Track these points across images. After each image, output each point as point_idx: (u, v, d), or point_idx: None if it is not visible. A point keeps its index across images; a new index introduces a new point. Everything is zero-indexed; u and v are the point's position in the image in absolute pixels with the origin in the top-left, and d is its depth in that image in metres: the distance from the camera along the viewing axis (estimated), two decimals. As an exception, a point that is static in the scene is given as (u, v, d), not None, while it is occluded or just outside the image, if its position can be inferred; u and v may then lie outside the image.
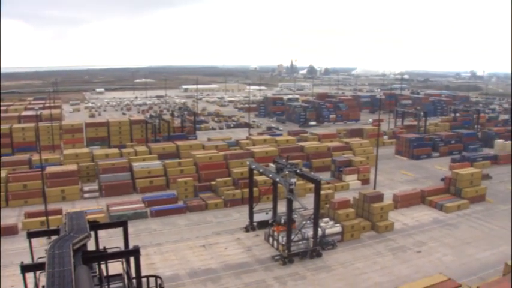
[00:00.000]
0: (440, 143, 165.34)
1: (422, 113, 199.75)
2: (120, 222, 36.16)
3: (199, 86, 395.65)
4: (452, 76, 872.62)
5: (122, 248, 33.90)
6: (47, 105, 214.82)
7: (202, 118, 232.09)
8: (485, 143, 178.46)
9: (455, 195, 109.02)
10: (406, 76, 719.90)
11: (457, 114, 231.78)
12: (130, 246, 31.71)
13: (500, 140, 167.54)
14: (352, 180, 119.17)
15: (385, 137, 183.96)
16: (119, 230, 35.64)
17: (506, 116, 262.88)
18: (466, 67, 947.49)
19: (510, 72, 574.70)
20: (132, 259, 30.61)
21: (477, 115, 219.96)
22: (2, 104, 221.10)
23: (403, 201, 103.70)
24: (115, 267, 32.37)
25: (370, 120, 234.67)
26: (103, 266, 31.27)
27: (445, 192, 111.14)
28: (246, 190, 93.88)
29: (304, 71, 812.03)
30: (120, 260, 31.20)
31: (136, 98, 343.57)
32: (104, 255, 29.90)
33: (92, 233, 31.92)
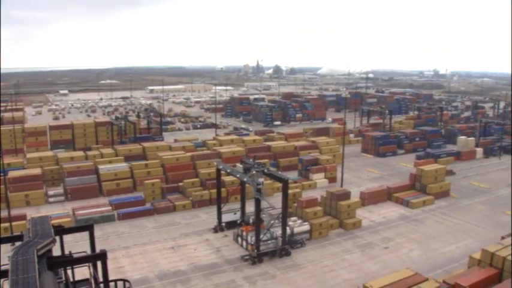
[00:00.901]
0: (405, 140, 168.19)
1: (387, 111, 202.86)
2: (85, 226, 35.81)
3: (166, 87, 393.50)
4: (416, 75, 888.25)
5: (89, 252, 33.48)
6: (9, 107, 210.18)
7: (169, 119, 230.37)
8: (449, 139, 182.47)
9: (420, 192, 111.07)
10: (371, 75, 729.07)
11: (421, 112, 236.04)
12: (98, 250, 31.36)
13: (463, 137, 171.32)
14: (319, 178, 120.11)
15: (351, 135, 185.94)
16: (86, 234, 35.22)
17: (468, 113, 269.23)
18: (429, 66, 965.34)
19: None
20: (99, 263, 30.28)
21: (440, 113, 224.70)
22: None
23: (370, 199, 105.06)
24: (82, 272, 31.98)
25: (330, 119, 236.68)
26: (69, 272, 30.84)
27: (410, 188, 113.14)
28: (214, 191, 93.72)
29: (270, 71, 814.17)
30: (87, 264, 30.81)
31: (101, 99, 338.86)
32: (69, 260, 29.51)
33: (58, 238, 31.44)
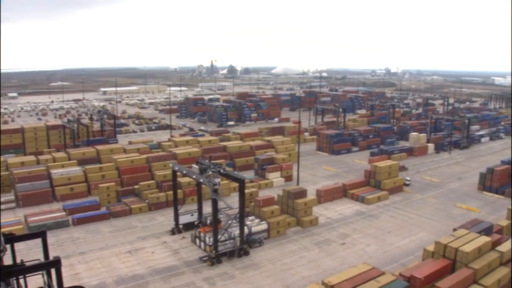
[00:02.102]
0: (359, 137, 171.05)
1: (341, 110, 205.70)
2: (38, 233, 34.76)
3: (119, 88, 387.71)
4: (369, 73, 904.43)
5: (42, 260, 32.59)
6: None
7: (123, 121, 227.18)
8: (401, 136, 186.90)
9: (375, 188, 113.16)
10: (324, 74, 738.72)
11: (374, 110, 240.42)
12: (51, 258, 30.57)
13: (415, 133, 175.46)
14: (275, 177, 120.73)
15: (306, 133, 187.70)
16: (40, 242, 34.29)
17: (420, 110, 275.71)
18: (381, 64, 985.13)
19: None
20: (53, 271, 29.53)
21: (393, 110, 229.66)
22: None
23: (326, 196, 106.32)
24: (36, 281, 31.15)
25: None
26: (22, 281, 29.94)
27: (365, 185, 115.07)
28: (170, 192, 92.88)
29: (225, 71, 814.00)
30: (40, 272, 29.98)
31: (52, 102, 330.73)
32: (21, 269, 28.61)
33: (8, 246, 30.50)
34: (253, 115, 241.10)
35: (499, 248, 69.73)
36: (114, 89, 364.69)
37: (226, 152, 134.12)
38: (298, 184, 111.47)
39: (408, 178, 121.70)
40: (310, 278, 69.00)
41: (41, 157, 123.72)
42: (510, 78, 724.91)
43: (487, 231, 76.16)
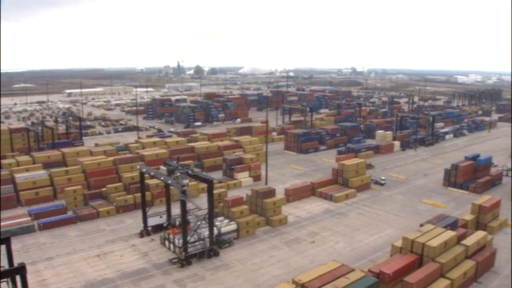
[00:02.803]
0: (327, 136, 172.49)
1: (308, 109, 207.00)
2: (2, 239, 33.95)
3: (84, 90, 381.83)
4: (335, 72, 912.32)
5: (7, 267, 31.84)
6: None
7: (88, 123, 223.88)
8: (368, 134, 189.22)
9: (343, 186, 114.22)
10: (291, 74, 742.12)
11: (341, 109, 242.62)
12: (16, 264, 29.90)
13: (381, 131, 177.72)
14: (244, 177, 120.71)
15: (274, 133, 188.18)
16: (4, 248, 33.50)
17: (385, 109, 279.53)
18: (347, 64, 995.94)
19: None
20: (18, 278, 28.89)
21: (359, 108, 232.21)
22: None
23: (295, 195, 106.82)
24: None
25: (239, 120, 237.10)
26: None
27: (333, 183, 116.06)
28: (138, 195, 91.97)
29: (192, 71, 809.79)
30: (5, 280, 29.30)
31: (15, 104, 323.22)
32: (-15, 277, 27.94)
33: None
34: (221, 115, 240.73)
35: (464, 241, 71.52)
36: (79, 90, 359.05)
37: (194, 153, 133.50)
38: (266, 184, 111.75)
39: (383, 177, 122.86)
40: (281, 277, 69.22)
41: (4, 161, 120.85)
42: (472, 77, 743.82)
43: (453, 225, 77.82)
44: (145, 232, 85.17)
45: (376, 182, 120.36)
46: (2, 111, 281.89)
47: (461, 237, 72.62)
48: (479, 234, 75.28)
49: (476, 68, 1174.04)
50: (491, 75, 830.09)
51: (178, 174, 74.25)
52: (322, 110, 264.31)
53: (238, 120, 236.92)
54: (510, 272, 73.47)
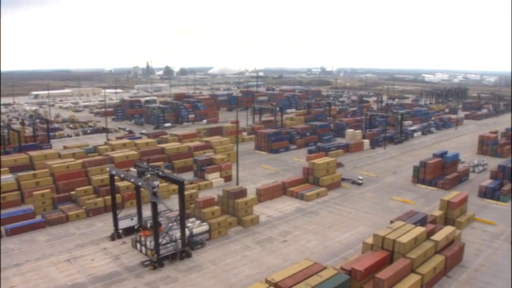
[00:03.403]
0: (297, 135, 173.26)
1: (278, 108, 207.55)
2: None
3: (51, 92, 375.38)
4: (305, 72, 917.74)
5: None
6: None
7: (56, 125, 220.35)
8: (338, 133, 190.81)
9: (313, 184, 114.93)
10: (261, 73, 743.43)
11: (311, 108, 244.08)
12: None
13: (351, 130, 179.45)
14: (215, 178, 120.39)
15: (244, 133, 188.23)
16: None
17: (355, 108, 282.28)
18: (317, 63, 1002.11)
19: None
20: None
21: (329, 108, 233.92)
22: None
23: (266, 194, 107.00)
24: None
25: (205, 121, 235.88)
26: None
27: (304, 182, 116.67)
28: (109, 197, 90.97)
29: (161, 72, 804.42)
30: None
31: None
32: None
33: None
34: (191, 116, 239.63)
35: (433, 237, 72.84)
36: (46, 92, 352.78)
37: (165, 154, 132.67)
38: (237, 184, 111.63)
39: (361, 177, 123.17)
40: (254, 276, 69.26)
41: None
42: (439, 76, 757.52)
43: (422, 221, 79.04)
44: (116, 235, 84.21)
45: (354, 182, 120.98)
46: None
47: (430, 233, 73.90)
48: (448, 230, 76.72)
49: (443, 67, 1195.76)
50: (457, 74, 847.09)
51: (148, 175, 73.68)
52: (289, 110, 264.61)
53: (204, 121, 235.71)
54: (478, 265, 75.22)
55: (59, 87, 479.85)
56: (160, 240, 73.27)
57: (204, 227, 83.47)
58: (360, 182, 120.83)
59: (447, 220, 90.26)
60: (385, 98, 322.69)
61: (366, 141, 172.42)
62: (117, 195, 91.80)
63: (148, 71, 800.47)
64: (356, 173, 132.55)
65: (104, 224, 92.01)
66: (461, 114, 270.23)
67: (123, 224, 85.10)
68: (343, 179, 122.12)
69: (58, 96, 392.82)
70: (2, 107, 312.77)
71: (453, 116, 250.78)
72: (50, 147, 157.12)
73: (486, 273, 72.60)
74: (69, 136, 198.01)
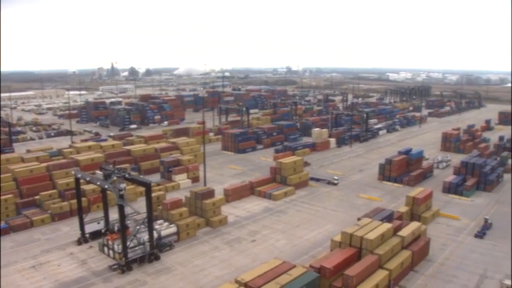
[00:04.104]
0: (263, 135, 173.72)
1: (244, 108, 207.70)
2: None
3: (13, 94, 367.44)
4: (270, 72, 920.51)
5: None
6: None
7: (19, 129, 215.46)
8: (304, 132, 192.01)
9: (281, 184, 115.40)
10: (227, 74, 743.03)
11: (277, 108, 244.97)
12: None
13: (317, 129, 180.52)
14: (182, 179, 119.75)
15: (211, 134, 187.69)
16: None
17: (320, 107, 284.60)
18: (282, 63, 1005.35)
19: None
20: None
21: (295, 107, 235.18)
22: None
23: (234, 195, 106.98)
24: None
25: (166, 122, 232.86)
26: None
27: (271, 181, 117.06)
28: (74, 201, 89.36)
29: (126, 73, 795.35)
30: None
31: None
32: None
33: None
34: (157, 117, 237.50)
35: (400, 233, 74.08)
36: (7, 94, 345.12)
37: (131, 156, 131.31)
38: (205, 185, 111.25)
39: (336, 177, 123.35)
40: (223, 277, 69.15)
41: None
42: (403, 74, 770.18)
43: (389, 218, 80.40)
44: (83, 239, 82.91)
45: (329, 182, 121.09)
46: None
47: (397, 229, 75.09)
48: (414, 225, 78.14)
49: (406, 66, 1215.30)
50: (420, 72, 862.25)
51: (115, 178, 72.82)
52: (252, 110, 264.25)
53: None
54: (444, 259, 76.82)
55: (21, 89, 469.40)
56: (128, 243, 72.49)
57: (172, 228, 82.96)
58: (336, 182, 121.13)
59: (413, 216, 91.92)
60: (350, 97, 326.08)
61: (332, 140, 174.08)
62: (83, 199, 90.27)
63: (113, 72, 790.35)
64: (322, 171, 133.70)
65: (70, 228, 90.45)
66: (424, 112, 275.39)
67: (89, 228, 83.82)
68: (318, 180, 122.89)
69: (20, 99, 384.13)
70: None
71: (417, 114, 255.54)
72: (13, 151, 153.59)
73: (451, 267, 74.35)
74: (32, 139, 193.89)
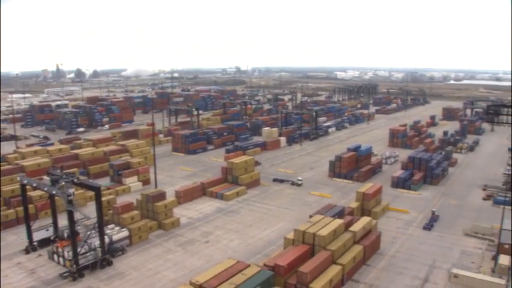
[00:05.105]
0: (214, 136, 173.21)
1: (194, 109, 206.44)
2: None
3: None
4: (220, 72, 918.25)
5: None
6: None
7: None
8: (254, 131, 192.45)
9: (233, 184, 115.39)
10: (176, 74, 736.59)
11: (227, 108, 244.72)
12: None
13: (267, 128, 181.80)
14: (132, 182, 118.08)
15: (161, 135, 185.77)
16: None
17: (270, 106, 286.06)
18: (232, 63, 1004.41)
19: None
20: None
21: (245, 107, 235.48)
22: None
23: (186, 196, 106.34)
24: None
25: (107, 126, 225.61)
26: None
27: (223, 182, 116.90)
28: (21, 208, 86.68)
29: (72, 75, 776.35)
30: None
31: None
32: None
33: None
34: (105, 119, 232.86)
35: (351, 228, 75.54)
36: None
37: (79, 160, 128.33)
38: (156, 187, 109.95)
39: (300, 178, 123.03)
40: (178, 280, 68.66)
41: None
42: (351, 73, 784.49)
43: (340, 214, 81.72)
44: (31, 248, 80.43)
45: (293, 183, 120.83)
46: None
47: (348, 224, 76.44)
48: (365, 220, 79.75)
49: (354, 65, 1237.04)
50: (368, 70, 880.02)
51: (63, 183, 71.04)
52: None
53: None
54: (394, 252, 78.68)
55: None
56: (78, 249, 70.91)
57: (124, 233, 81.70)
58: (300, 183, 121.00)
59: (363, 211, 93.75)
60: (299, 96, 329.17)
61: (283, 139, 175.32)
62: (30, 206, 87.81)
63: (59, 74, 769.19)
64: (273, 170, 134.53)
65: (17, 237, 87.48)
66: (372, 109, 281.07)
67: (38, 236, 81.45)
68: (282, 181, 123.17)
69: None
70: None
71: (365, 111, 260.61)
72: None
73: (402, 259, 76.50)
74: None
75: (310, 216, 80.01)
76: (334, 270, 64.52)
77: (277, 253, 70.29)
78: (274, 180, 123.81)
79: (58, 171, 76.45)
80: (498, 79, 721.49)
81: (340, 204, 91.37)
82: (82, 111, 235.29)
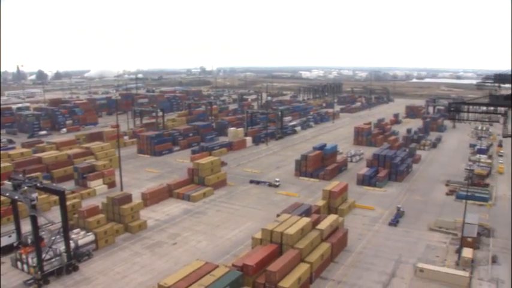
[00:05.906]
0: (180, 137, 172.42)
1: (159, 110, 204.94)
2: None
3: None
4: (184, 72, 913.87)
5: None
6: None
7: None
8: (220, 132, 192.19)
9: (199, 184, 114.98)
10: (140, 75, 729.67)
11: (192, 108, 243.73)
12: None
13: (233, 128, 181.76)
14: (98, 185, 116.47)
15: (126, 137, 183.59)
16: None
17: (235, 106, 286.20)
18: (196, 63, 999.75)
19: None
20: None
21: (210, 107, 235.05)
22: None
23: (152, 198, 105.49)
24: None
25: (64, 129, 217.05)
26: None
27: (190, 183, 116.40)
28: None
29: (33, 77, 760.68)
30: None
31: None
32: None
33: None
34: (68, 122, 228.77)
35: (318, 226, 76.17)
36: None
37: (42, 164, 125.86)
38: (122, 189, 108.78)
39: (277, 179, 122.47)
40: (146, 283, 68.09)
41: None
42: (315, 72, 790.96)
43: (307, 212, 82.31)
44: (-8, 254, 78.60)
45: (270, 185, 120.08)
46: None
47: (315, 223, 77.03)
48: (332, 218, 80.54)
49: (318, 64, 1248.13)
50: (332, 70, 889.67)
51: (25, 188, 69.49)
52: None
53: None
54: (361, 248, 79.68)
55: None
56: (43, 255, 69.54)
57: (90, 237, 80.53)
58: (277, 184, 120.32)
59: (330, 209, 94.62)
60: (264, 95, 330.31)
61: (249, 139, 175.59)
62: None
63: (20, 75, 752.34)
64: (240, 170, 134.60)
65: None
66: (337, 108, 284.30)
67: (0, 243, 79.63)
68: (259, 182, 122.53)
69: None
70: None
71: (330, 110, 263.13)
72: None
73: (369, 255, 77.64)
74: None
75: (278, 216, 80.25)
76: (302, 269, 64.94)
77: (245, 253, 70.38)
78: (251, 181, 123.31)
79: (20, 175, 74.80)
80: (459, 77, 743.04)
81: (307, 203, 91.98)
82: (44, 113, 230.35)
